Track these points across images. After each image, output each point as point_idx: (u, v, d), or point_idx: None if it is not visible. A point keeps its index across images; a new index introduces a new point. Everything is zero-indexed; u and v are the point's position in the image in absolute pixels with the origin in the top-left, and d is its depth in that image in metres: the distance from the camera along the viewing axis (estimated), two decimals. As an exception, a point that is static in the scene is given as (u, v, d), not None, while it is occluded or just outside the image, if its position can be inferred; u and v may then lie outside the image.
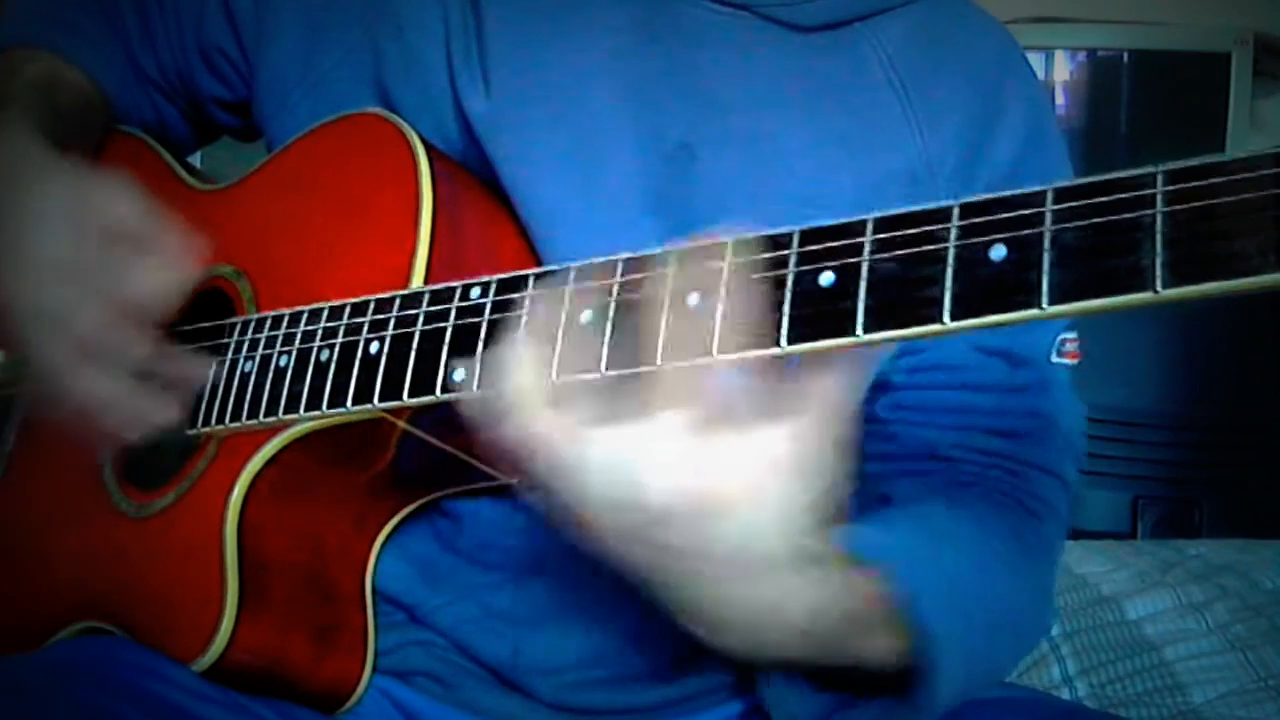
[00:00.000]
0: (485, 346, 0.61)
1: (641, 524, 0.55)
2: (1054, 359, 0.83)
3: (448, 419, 0.67)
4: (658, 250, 0.57)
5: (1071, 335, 0.84)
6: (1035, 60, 2.36)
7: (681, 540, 0.55)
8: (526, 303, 0.59)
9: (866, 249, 0.50)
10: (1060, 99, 2.42)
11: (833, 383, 0.54)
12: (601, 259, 0.59)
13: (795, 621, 0.62)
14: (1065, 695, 1.21)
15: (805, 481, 0.55)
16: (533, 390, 0.55)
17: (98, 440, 0.75)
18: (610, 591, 0.80)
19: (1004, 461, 0.81)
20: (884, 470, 0.84)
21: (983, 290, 0.47)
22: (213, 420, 0.75)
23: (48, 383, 0.73)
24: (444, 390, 0.62)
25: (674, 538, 0.55)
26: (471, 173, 0.79)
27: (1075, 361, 0.84)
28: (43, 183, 0.77)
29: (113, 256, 0.72)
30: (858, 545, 0.66)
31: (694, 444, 0.54)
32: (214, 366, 0.77)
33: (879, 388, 0.83)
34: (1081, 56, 2.43)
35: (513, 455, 0.56)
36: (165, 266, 0.73)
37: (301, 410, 0.69)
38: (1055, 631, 1.35)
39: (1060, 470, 0.83)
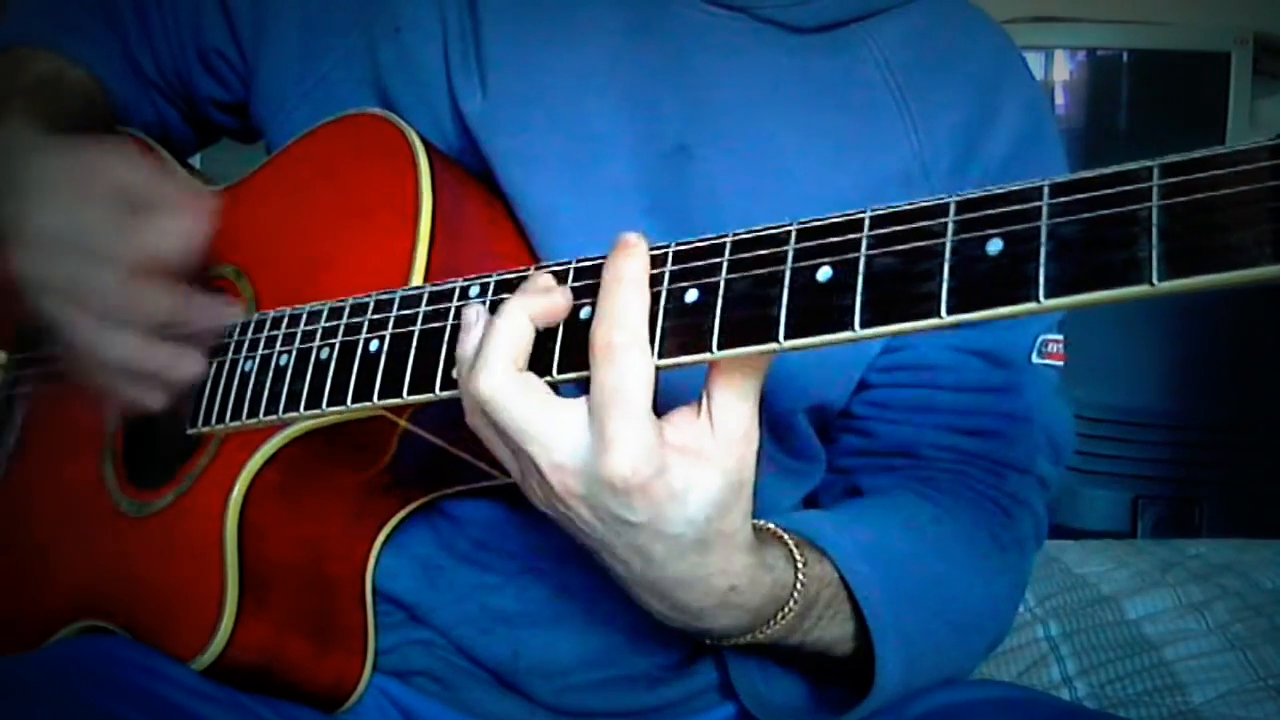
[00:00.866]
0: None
1: (592, 493, 0.58)
2: (1035, 360, 0.84)
3: (447, 418, 0.67)
4: (658, 247, 0.57)
5: (1055, 336, 0.84)
6: (1035, 60, 2.36)
7: (642, 516, 0.58)
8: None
9: (864, 244, 0.51)
10: (1060, 99, 2.42)
11: (760, 373, 0.57)
12: (598, 256, 0.59)
13: (746, 600, 0.65)
14: (1065, 695, 1.21)
15: (749, 468, 0.59)
16: (508, 355, 0.58)
17: (127, 406, 0.73)
18: (610, 594, 0.80)
19: (978, 460, 0.83)
20: (858, 465, 0.85)
21: (979, 284, 0.47)
22: (213, 419, 0.75)
23: (76, 352, 0.73)
24: (443, 388, 0.62)
25: (637, 514, 0.58)
26: (469, 170, 0.80)
27: (1060, 363, 0.85)
28: (43, 157, 0.76)
29: (121, 218, 0.72)
30: (808, 531, 0.71)
31: (671, 424, 0.58)
32: (214, 366, 0.77)
33: (857, 385, 0.84)
34: (1081, 56, 2.43)
35: (483, 414, 0.59)
36: (174, 221, 0.72)
37: (301, 409, 0.69)
38: (1055, 631, 1.35)
39: (1036, 469, 0.85)
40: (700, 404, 0.58)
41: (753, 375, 0.57)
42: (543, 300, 0.59)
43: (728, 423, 0.58)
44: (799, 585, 0.68)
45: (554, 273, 0.61)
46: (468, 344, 0.60)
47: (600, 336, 0.56)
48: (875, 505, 0.81)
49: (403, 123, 0.76)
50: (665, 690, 0.85)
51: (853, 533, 0.73)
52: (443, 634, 0.83)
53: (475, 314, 0.60)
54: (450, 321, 0.63)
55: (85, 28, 0.95)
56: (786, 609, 0.68)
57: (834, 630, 0.72)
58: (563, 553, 0.80)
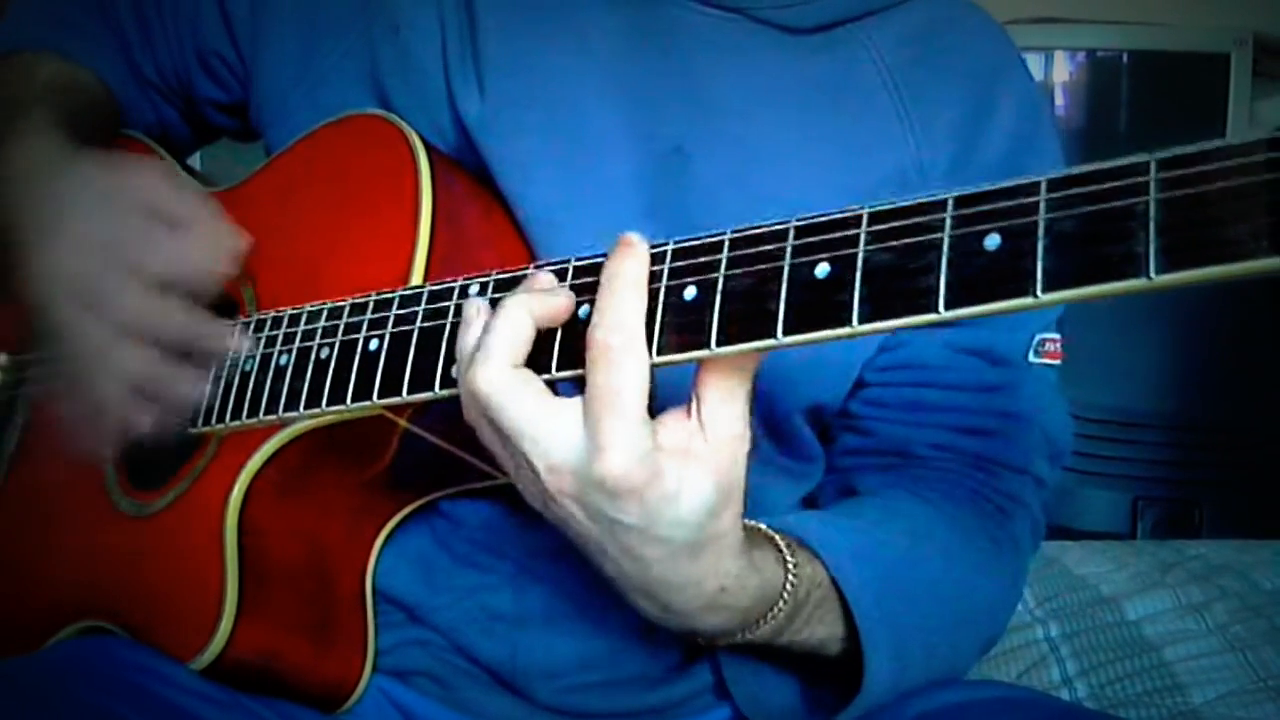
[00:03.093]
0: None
1: (585, 492, 0.58)
2: (1032, 359, 0.84)
3: (447, 417, 0.67)
4: (657, 245, 0.58)
5: (1053, 335, 0.84)
6: (1035, 60, 2.36)
7: (634, 518, 0.58)
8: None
9: (862, 240, 0.51)
10: (1060, 99, 2.42)
11: (750, 374, 0.57)
12: (598, 255, 0.59)
13: (735, 601, 0.65)
14: (1065, 696, 1.21)
15: (740, 470, 0.59)
16: (507, 351, 0.58)
17: (126, 424, 0.73)
18: (609, 595, 0.80)
19: (975, 459, 0.83)
20: (854, 464, 0.86)
21: (977, 279, 0.47)
22: (213, 419, 0.75)
23: (82, 360, 0.73)
24: (443, 386, 0.62)
25: (630, 516, 0.58)
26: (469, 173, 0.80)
27: (1058, 362, 0.85)
28: (79, 167, 0.77)
29: (151, 233, 0.72)
30: (799, 531, 0.70)
31: (664, 427, 0.58)
32: (214, 366, 0.77)
33: (854, 384, 0.84)
34: (1081, 57, 2.43)
35: (481, 410, 0.59)
36: (201, 242, 0.73)
37: (301, 408, 0.69)
38: (1055, 632, 1.35)
39: (1032, 468, 0.85)
40: (690, 405, 0.58)
41: (741, 376, 0.57)
42: (545, 300, 0.59)
43: (718, 424, 0.57)
44: (788, 586, 0.68)
45: (554, 271, 0.61)
46: (468, 339, 0.60)
47: (597, 338, 0.56)
48: (868, 505, 0.81)
49: (403, 123, 0.77)
50: (663, 691, 0.85)
51: (844, 533, 0.73)
52: (441, 634, 0.83)
53: (476, 309, 0.60)
54: (450, 320, 0.63)
55: (85, 29, 0.95)
56: (776, 610, 0.68)
57: (823, 631, 0.72)
58: (561, 553, 0.80)
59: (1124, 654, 1.27)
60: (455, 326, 0.63)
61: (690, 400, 0.58)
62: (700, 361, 0.56)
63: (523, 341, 0.58)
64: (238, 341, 0.74)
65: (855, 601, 0.70)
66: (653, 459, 0.56)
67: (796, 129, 0.80)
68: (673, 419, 0.58)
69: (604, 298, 0.56)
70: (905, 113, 0.82)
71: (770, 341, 0.52)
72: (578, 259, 0.60)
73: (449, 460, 0.73)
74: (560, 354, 0.59)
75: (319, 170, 0.81)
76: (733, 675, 0.81)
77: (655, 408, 0.57)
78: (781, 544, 0.69)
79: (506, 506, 0.80)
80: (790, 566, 0.68)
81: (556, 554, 0.80)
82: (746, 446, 0.59)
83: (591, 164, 0.79)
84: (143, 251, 0.72)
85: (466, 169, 0.80)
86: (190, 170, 0.94)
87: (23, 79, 0.89)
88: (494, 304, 0.61)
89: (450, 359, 0.62)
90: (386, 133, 0.77)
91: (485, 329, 0.58)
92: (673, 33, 0.81)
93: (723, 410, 0.57)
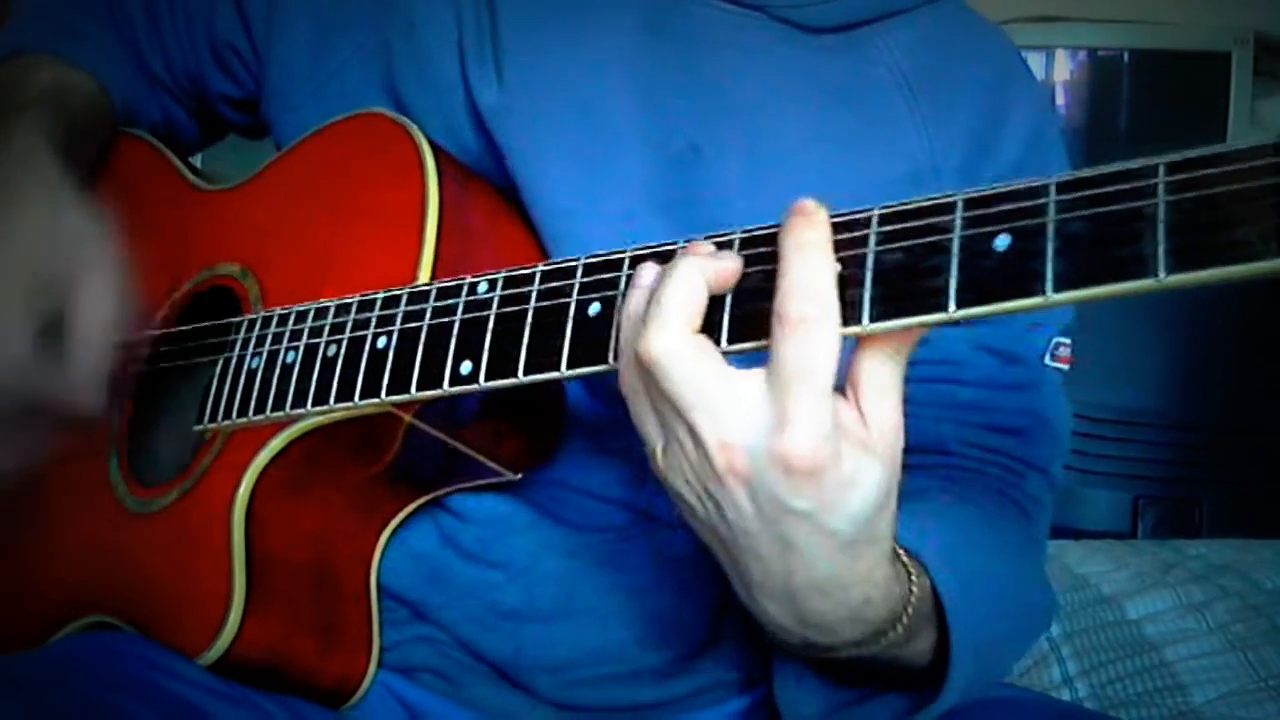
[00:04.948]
0: (493, 340, 0.62)
1: (760, 471, 0.54)
2: (1047, 361, 0.84)
3: (455, 415, 0.68)
4: (673, 243, 0.58)
5: (1065, 340, 0.85)
6: (1035, 60, 2.36)
7: (808, 504, 0.54)
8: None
9: (872, 240, 0.51)
10: (1060, 98, 2.42)
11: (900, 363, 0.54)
12: (609, 251, 0.59)
13: (877, 613, 0.61)
14: (1065, 695, 1.21)
15: (899, 463, 0.56)
16: (688, 313, 0.54)
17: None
18: (614, 591, 0.80)
19: (1002, 458, 0.83)
20: None
21: (987, 279, 0.47)
22: (219, 416, 0.75)
23: None
24: (452, 383, 0.62)
25: (804, 501, 0.54)
26: (480, 168, 0.80)
27: (1068, 366, 0.85)
28: (43, 199, 0.77)
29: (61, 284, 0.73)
30: (906, 540, 0.65)
31: (840, 409, 0.54)
32: (220, 363, 0.77)
33: None
34: (1082, 56, 2.43)
35: (649, 375, 0.55)
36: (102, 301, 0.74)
37: (309, 405, 0.69)
38: (1055, 631, 1.35)
39: (1050, 469, 0.84)
40: (847, 396, 0.55)
41: (895, 365, 0.54)
42: (716, 263, 0.55)
43: (879, 414, 0.54)
44: (913, 601, 0.63)
45: (716, 244, 0.57)
46: (638, 300, 0.56)
47: (791, 308, 0.51)
48: (933, 511, 0.75)
49: (409, 122, 0.77)
50: (668, 685, 0.85)
51: (932, 541, 0.68)
52: (446, 630, 0.83)
53: (649, 273, 0.57)
54: (459, 316, 0.63)
55: (88, 32, 0.95)
56: (900, 625, 0.63)
57: (921, 646, 0.68)
58: (567, 550, 0.80)
59: (1124, 653, 1.27)
60: (464, 323, 0.63)
61: (846, 391, 0.55)
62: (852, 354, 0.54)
63: (698, 305, 0.54)
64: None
65: (954, 621, 0.66)
66: (835, 440, 0.53)
67: (811, 128, 0.80)
68: (843, 403, 0.54)
69: (793, 266, 0.52)
70: (919, 115, 0.82)
71: (768, 341, 0.52)
72: (744, 230, 0.57)
73: (455, 457, 0.74)
74: (731, 326, 0.55)
75: (326, 168, 0.81)
76: (779, 676, 0.76)
77: None
78: (903, 556, 0.64)
79: (511, 502, 0.81)
80: (914, 578, 0.64)
81: (561, 549, 0.80)
82: (902, 442, 0.56)
83: (607, 157, 0.79)
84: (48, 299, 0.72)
85: (479, 162, 0.80)
86: (194, 168, 0.94)
87: (19, 84, 0.89)
88: (502, 302, 0.61)
89: (459, 356, 0.62)
90: (392, 131, 0.77)
91: (658, 290, 0.55)
92: (691, 29, 0.81)
93: (883, 401, 0.54)
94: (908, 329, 0.50)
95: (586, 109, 0.79)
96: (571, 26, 0.81)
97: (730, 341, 0.54)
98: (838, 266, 0.52)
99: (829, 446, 0.52)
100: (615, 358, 0.56)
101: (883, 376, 0.54)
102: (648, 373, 0.54)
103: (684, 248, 0.57)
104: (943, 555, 0.67)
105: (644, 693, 0.85)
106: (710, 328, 0.55)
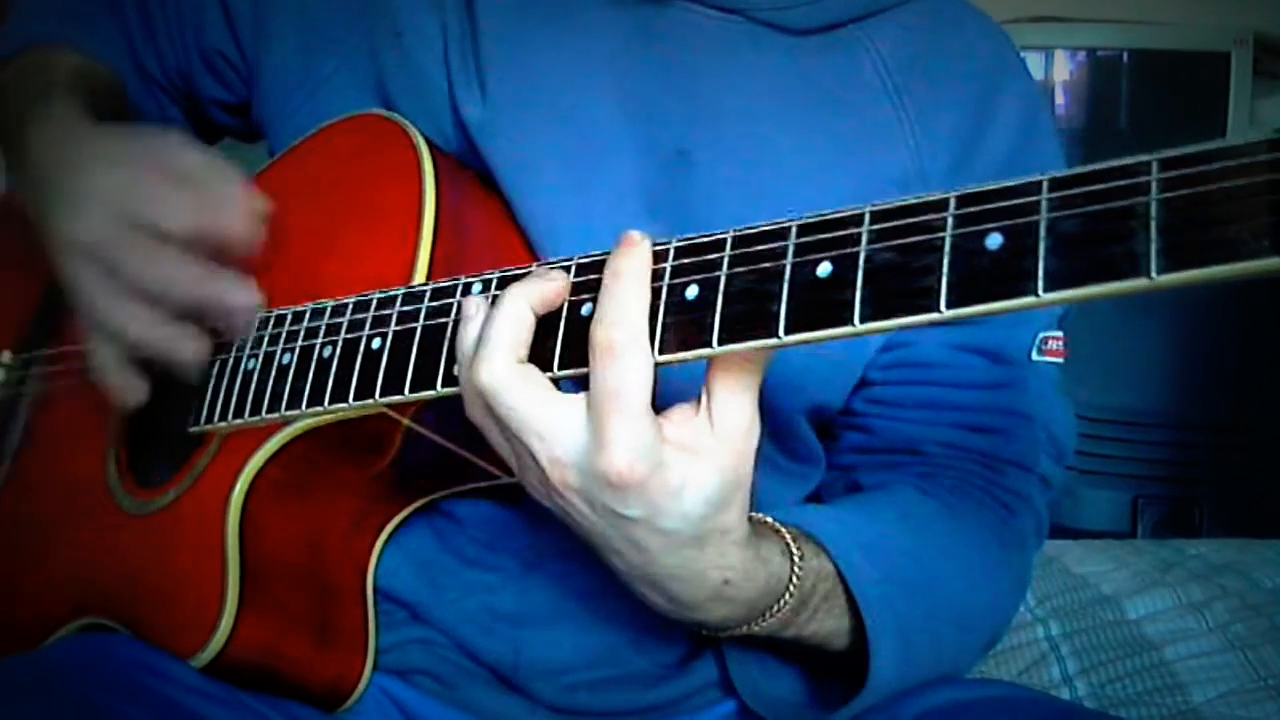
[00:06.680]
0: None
1: (589, 486, 0.58)
2: (1035, 357, 0.84)
3: (450, 416, 0.68)
4: (660, 243, 0.58)
5: (1055, 333, 0.85)
6: (1035, 60, 2.36)
7: (637, 511, 0.58)
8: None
9: (863, 239, 0.51)
10: (1060, 99, 2.42)
11: (759, 370, 0.58)
12: (600, 253, 0.59)
13: (741, 593, 0.66)
14: (1065, 695, 1.21)
15: (748, 464, 0.59)
16: (511, 345, 0.58)
17: (117, 389, 0.74)
18: (611, 594, 0.80)
19: (979, 457, 0.84)
20: (859, 461, 0.86)
21: (979, 279, 0.47)
22: (215, 417, 0.75)
23: (85, 320, 0.73)
24: (445, 385, 0.62)
25: (634, 509, 0.58)
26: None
27: (1061, 359, 0.85)
28: (97, 137, 0.77)
29: (168, 192, 0.72)
30: (806, 525, 0.71)
31: (668, 422, 0.58)
32: (216, 364, 0.77)
33: (858, 382, 0.84)
34: (1081, 56, 2.43)
35: (485, 406, 0.59)
36: (221, 201, 0.72)
37: (304, 406, 0.69)
38: (1055, 631, 1.35)
39: (1036, 465, 0.85)
40: (700, 401, 0.59)
41: (752, 372, 0.57)
42: (541, 286, 0.59)
43: (727, 420, 0.58)
44: (795, 579, 0.68)
45: (559, 269, 0.61)
46: (469, 334, 0.60)
47: (600, 335, 0.56)
48: (875, 500, 0.82)
49: (407, 123, 0.77)
50: (665, 688, 0.85)
51: (851, 527, 0.73)
52: (443, 633, 0.83)
53: (476, 305, 0.61)
54: (453, 318, 0.63)
55: (95, 24, 0.95)
56: (782, 602, 0.68)
57: (830, 624, 0.73)
58: (563, 552, 0.80)
59: (1124, 653, 1.27)
60: (459, 325, 0.63)
61: (700, 395, 0.58)
62: (708, 361, 0.57)
63: (524, 334, 0.59)
64: (244, 298, 0.73)
65: (861, 594, 0.71)
66: (656, 454, 0.57)
67: (798, 131, 0.80)
68: (680, 414, 0.59)
69: (607, 294, 0.56)
70: (905, 115, 0.82)
71: (772, 341, 0.52)
72: (581, 257, 0.60)
73: (451, 459, 0.74)
74: (562, 352, 0.59)
75: (323, 169, 0.81)
76: (737, 668, 0.81)
77: (661, 403, 0.58)
78: (788, 537, 0.69)
79: (508, 505, 0.80)
80: (796, 559, 0.69)
81: (558, 552, 0.80)
82: (755, 442, 0.59)
83: (594, 166, 0.79)
84: (158, 210, 0.71)
85: (472, 169, 0.80)
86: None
87: (45, 69, 0.89)
88: (493, 301, 0.61)
89: (453, 358, 0.62)
90: (390, 132, 0.77)
91: (486, 323, 0.59)
92: (674, 34, 0.81)
93: (732, 405, 0.58)
94: (901, 329, 0.50)
95: (571, 117, 0.79)
96: (553, 35, 0.81)
97: (560, 368, 0.59)
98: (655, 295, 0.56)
99: (646, 462, 0.56)
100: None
101: (737, 383, 0.58)
102: (484, 400, 0.58)
103: (533, 271, 0.61)
104: (861, 542, 0.72)
105: (641, 696, 0.85)
106: (544, 353, 0.59)
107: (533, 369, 0.58)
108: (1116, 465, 2.30)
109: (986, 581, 0.81)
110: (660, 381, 0.56)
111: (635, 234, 0.58)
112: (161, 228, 0.70)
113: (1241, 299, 2.16)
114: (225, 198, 0.72)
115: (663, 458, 0.57)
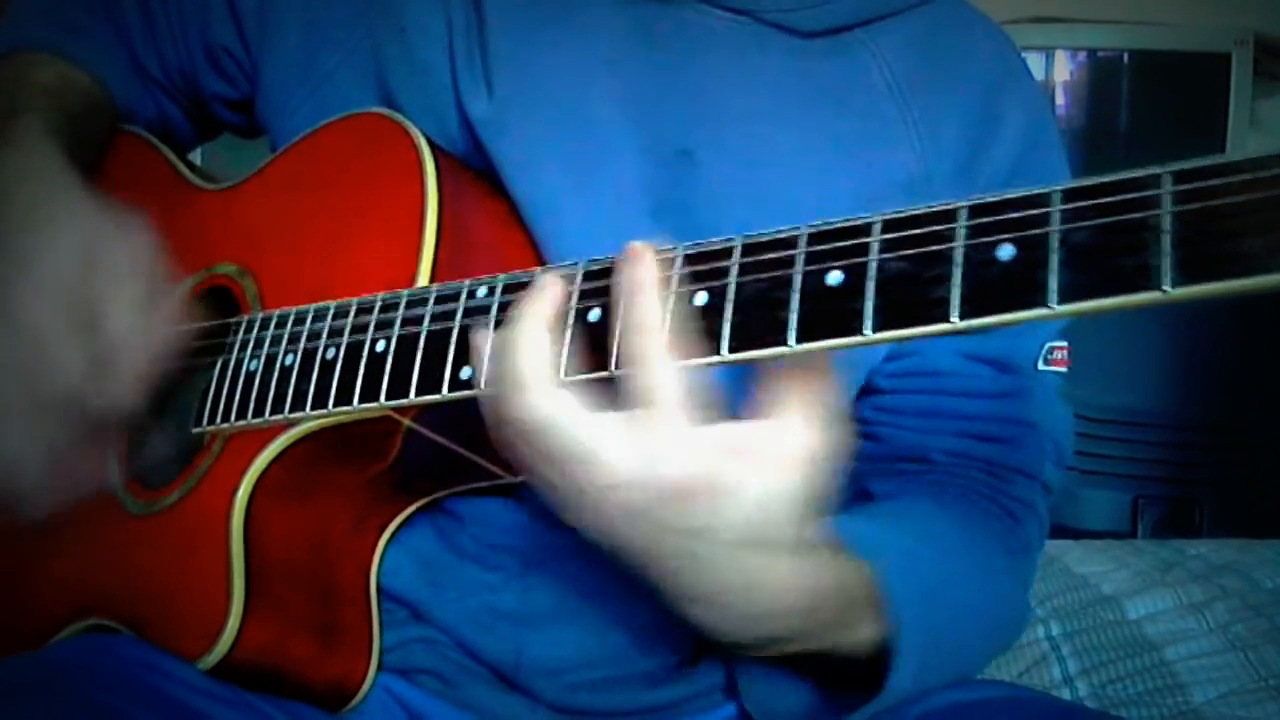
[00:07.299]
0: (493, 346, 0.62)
1: (649, 502, 0.57)
2: (1041, 366, 0.84)
3: (453, 418, 0.67)
4: (665, 250, 0.58)
5: (1060, 344, 0.85)
6: (1035, 60, 2.36)
7: (701, 521, 0.57)
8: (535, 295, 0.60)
9: (874, 249, 0.51)
10: (1060, 99, 2.42)
11: (826, 381, 0.57)
12: (608, 256, 0.59)
13: (789, 604, 0.64)
14: (1065, 695, 1.22)
15: (806, 472, 0.58)
16: (543, 374, 0.57)
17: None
18: (613, 593, 0.80)
19: (986, 465, 0.84)
20: (867, 469, 0.86)
21: (991, 290, 0.47)
22: (218, 419, 0.75)
23: None
24: (451, 389, 0.62)
25: (696, 518, 0.57)
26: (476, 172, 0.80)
27: (1064, 369, 0.85)
28: (62, 207, 0.75)
29: (67, 342, 0.70)
30: (845, 535, 0.69)
31: (699, 431, 0.56)
32: (218, 365, 0.77)
33: (865, 390, 0.84)
34: (1081, 56, 2.43)
35: (521, 436, 0.58)
36: (112, 359, 0.71)
37: (307, 409, 0.69)
38: (1055, 631, 1.35)
39: (1041, 474, 0.85)
40: (768, 406, 0.57)
41: (814, 377, 0.57)
42: (547, 297, 0.59)
43: (789, 425, 0.57)
44: (835, 594, 0.66)
45: (563, 275, 0.60)
46: (490, 371, 0.59)
47: (632, 347, 0.55)
48: (894, 510, 0.81)
49: (408, 121, 0.76)
50: (667, 690, 0.85)
51: (884, 539, 0.72)
52: (445, 632, 0.83)
53: (488, 339, 0.60)
54: (459, 321, 0.63)
55: (87, 29, 0.94)
56: (824, 616, 0.67)
57: (865, 632, 0.70)
58: (565, 551, 0.80)
59: (1125, 653, 1.27)
60: (464, 329, 0.63)
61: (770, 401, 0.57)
62: (714, 365, 0.56)
63: (547, 356, 0.58)
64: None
65: (896, 612, 0.69)
66: (710, 457, 0.56)
67: (802, 132, 0.80)
68: (745, 424, 0.57)
69: (629, 309, 0.56)
70: (910, 118, 0.82)
71: (782, 350, 0.52)
72: (588, 262, 0.60)
73: (455, 459, 0.73)
74: (569, 358, 0.58)
75: (324, 168, 0.81)
76: (742, 674, 0.81)
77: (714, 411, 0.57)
78: (829, 549, 0.67)
79: (511, 504, 0.80)
80: (838, 565, 0.67)
81: (560, 552, 0.80)
82: (821, 449, 0.58)
83: (598, 165, 0.79)
84: (55, 354, 0.70)
85: (473, 169, 0.80)
86: (192, 166, 0.94)
87: (18, 81, 0.88)
88: (502, 306, 0.61)
89: (458, 359, 0.62)
90: (391, 131, 0.77)
91: (503, 354, 0.58)
92: (680, 34, 0.81)
93: (794, 411, 0.57)
94: (913, 339, 0.49)
95: (576, 116, 0.79)
96: (560, 33, 0.81)
97: (568, 374, 0.58)
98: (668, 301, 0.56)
99: (704, 466, 0.56)
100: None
101: (799, 389, 0.57)
102: (525, 434, 0.58)
103: (536, 278, 0.60)
104: (897, 553, 0.71)
105: (643, 696, 0.85)
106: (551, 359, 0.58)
107: (570, 396, 0.57)
108: (1116, 465, 2.30)
109: (994, 590, 0.81)
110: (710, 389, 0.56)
111: (639, 245, 0.57)
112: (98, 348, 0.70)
113: (1242, 301, 2.16)
114: (124, 348, 0.71)
115: (716, 461, 0.56)
